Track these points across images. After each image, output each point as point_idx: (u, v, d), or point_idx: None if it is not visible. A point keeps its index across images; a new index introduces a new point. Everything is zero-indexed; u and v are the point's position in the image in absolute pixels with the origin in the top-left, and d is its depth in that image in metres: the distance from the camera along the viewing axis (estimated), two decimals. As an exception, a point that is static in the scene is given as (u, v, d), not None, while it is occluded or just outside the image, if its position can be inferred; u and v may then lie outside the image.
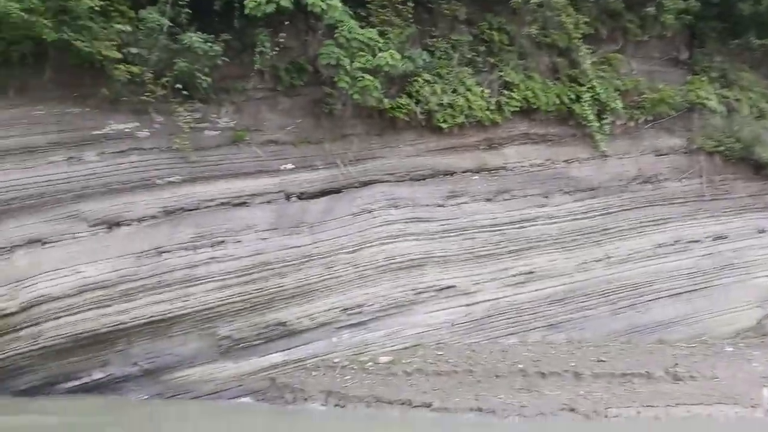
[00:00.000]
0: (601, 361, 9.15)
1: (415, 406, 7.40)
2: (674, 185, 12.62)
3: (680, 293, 11.64)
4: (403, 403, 7.47)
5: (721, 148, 13.18)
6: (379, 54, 9.83)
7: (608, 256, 11.34)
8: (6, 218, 7.94)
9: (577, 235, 11.24)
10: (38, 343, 7.58)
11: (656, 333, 10.99)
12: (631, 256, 11.54)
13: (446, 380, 8.13)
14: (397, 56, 9.98)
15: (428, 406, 7.34)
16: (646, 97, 12.67)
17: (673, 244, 12.03)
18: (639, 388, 8.33)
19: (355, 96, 9.78)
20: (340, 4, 9.46)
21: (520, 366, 8.64)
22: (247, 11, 9.19)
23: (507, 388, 7.98)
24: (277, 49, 9.59)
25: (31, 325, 7.54)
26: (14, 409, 6.90)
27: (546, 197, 11.32)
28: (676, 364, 9.09)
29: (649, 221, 11.96)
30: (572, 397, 7.79)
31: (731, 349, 10.54)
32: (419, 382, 8.03)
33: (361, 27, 10.06)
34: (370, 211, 9.70)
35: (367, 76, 9.71)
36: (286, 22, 9.43)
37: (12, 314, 7.44)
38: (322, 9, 9.25)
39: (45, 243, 7.94)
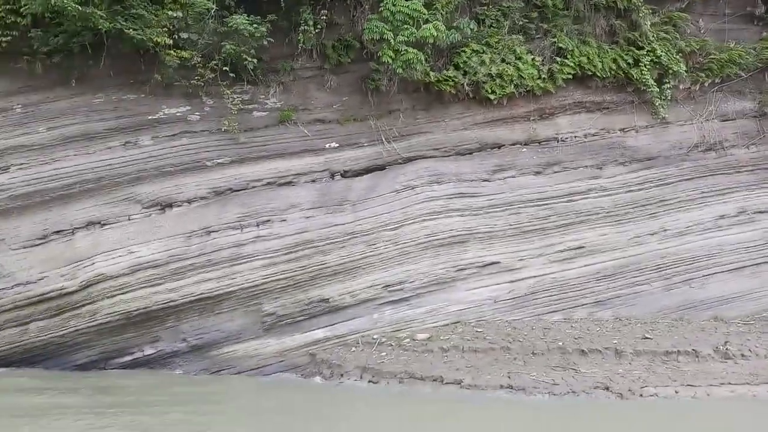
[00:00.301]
0: (647, 338, 8.90)
1: (446, 383, 7.49)
2: (741, 152, 11.83)
3: (742, 267, 11.02)
4: (435, 380, 7.58)
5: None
6: (424, 26, 9.67)
7: (664, 229, 10.86)
8: (68, 202, 8.55)
9: (631, 208, 10.81)
10: (95, 320, 8.18)
11: (712, 309, 10.49)
12: (690, 229, 11.00)
13: (482, 357, 8.16)
14: (442, 27, 9.77)
15: (459, 383, 7.42)
16: (713, 58, 11.83)
17: (736, 216, 11.35)
18: (683, 366, 8.07)
19: (399, 70, 9.70)
20: (384, -23, 9.32)
21: (559, 343, 8.53)
22: (292, -13, 9.23)
23: (542, 365, 7.93)
24: (319, 27, 9.61)
25: (89, 303, 8.13)
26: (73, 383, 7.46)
27: (599, 168, 10.92)
28: (727, 342, 8.72)
29: (711, 191, 11.32)
30: (609, 375, 7.66)
31: (795, 327, 9.95)
32: (454, 359, 8.11)
33: (407, -1, 9.89)
34: (413, 188, 9.70)
35: (411, 49, 9.59)
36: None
37: (73, 293, 8.06)
38: (365, -18, 9.15)
39: (103, 225, 8.49)
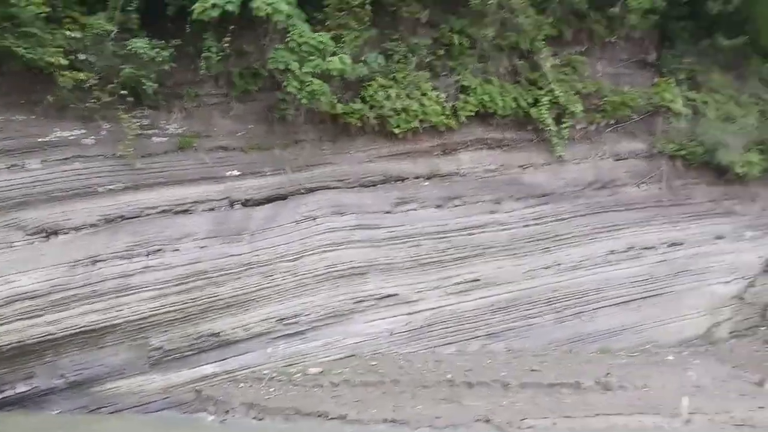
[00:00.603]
0: (534, 370, 9.18)
1: (330, 418, 7.47)
2: (632, 190, 12.47)
3: (629, 301, 11.58)
4: (320, 415, 7.54)
5: (683, 152, 13.00)
6: (330, 58, 9.70)
7: (558, 263, 11.27)
8: (-55, 226, 8.02)
9: (527, 242, 11.16)
10: (-39, 355, 7.68)
11: (600, 342, 10.97)
12: (581, 263, 11.47)
13: (371, 391, 8.19)
14: (348, 60, 9.82)
15: (344, 417, 7.41)
16: (608, 100, 12.44)
17: (626, 251, 11.93)
18: (565, 398, 8.36)
19: (304, 100, 9.67)
20: (286, 8, 9.26)
21: (449, 376, 8.68)
22: (194, 16, 9.09)
23: (429, 398, 8.03)
24: (222, 53, 9.46)
25: (-45, 336, 7.62)
26: None
27: (498, 203, 11.23)
28: (608, 373, 9.10)
29: (603, 227, 11.85)
30: (491, 407, 7.83)
31: (673, 357, 10.52)
32: (343, 394, 8.10)
33: (316, 31, 9.93)
34: (314, 218, 9.68)
35: (316, 81, 9.59)
36: (233, 26, 9.23)
37: (-61, 324, 7.54)
38: (267, 13, 9.09)
39: (-19, 252, 8.00)
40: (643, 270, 11.97)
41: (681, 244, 12.60)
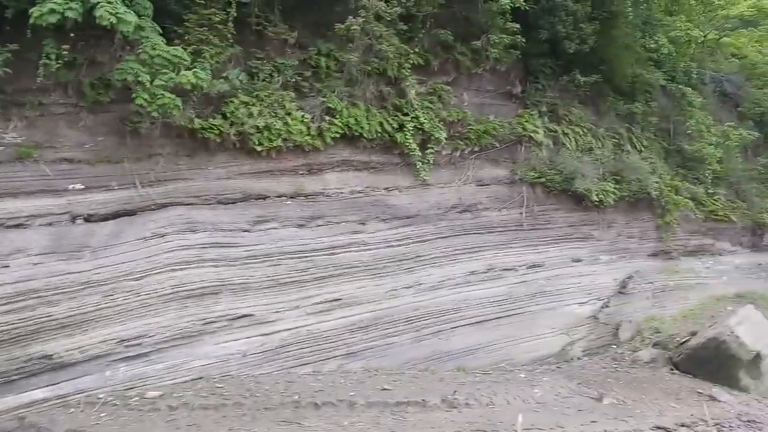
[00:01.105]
0: (385, 389, 9.10)
1: (159, 443, 7.02)
2: (494, 214, 12.84)
3: (487, 320, 11.82)
4: (147, 441, 7.07)
5: (543, 180, 13.60)
6: (183, 72, 9.40)
7: (419, 282, 11.36)
8: None
9: (389, 262, 11.18)
10: None
11: (457, 360, 11.09)
12: (442, 283, 11.62)
13: (210, 414, 7.78)
14: (203, 75, 9.54)
15: (172, 443, 6.98)
16: (471, 128, 12.84)
17: (486, 272, 12.23)
18: (409, 416, 8.32)
19: (154, 114, 9.25)
20: (134, 19, 8.86)
21: (296, 397, 8.42)
22: (31, 20, 8.54)
23: (270, 420, 7.73)
24: (64, 61, 8.90)
25: None
26: None
27: (362, 224, 11.20)
28: (456, 391, 9.17)
29: (464, 249, 12.10)
30: (331, 427, 7.65)
31: (524, 375, 10.76)
32: (179, 418, 7.63)
33: (172, 44, 9.62)
34: (162, 235, 9.21)
35: (168, 94, 9.18)
36: (73, 34, 8.74)
37: None
38: (112, 23, 8.68)
39: None
40: (502, 291, 12.30)
41: (540, 266, 13.10)
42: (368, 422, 7.95)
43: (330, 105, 11.22)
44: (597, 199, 14.12)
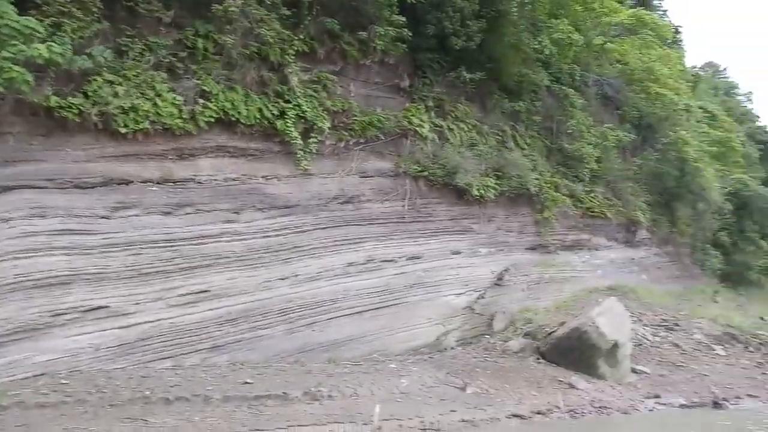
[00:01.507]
0: (247, 383, 8.77)
1: (-19, 446, 6.39)
2: (375, 206, 12.77)
3: (364, 311, 11.74)
4: (-32, 444, 6.42)
5: (426, 173, 13.67)
6: (34, 45, 8.60)
7: (296, 274, 11.08)
8: None
9: (265, 253, 10.83)
10: None
11: (330, 352, 10.93)
12: (320, 275, 11.41)
13: (47, 413, 7.17)
14: (59, 49, 8.76)
15: (-3, 444, 6.37)
16: (356, 119, 12.67)
17: (365, 263, 12.14)
18: (267, 410, 8.06)
19: (0, 88, 8.46)
20: (-25, -18, 8.07)
21: (147, 392, 7.95)
22: None
23: (113, 418, 7.23)
24: None
25: None
26: None
27: (237, 213, 10.77)
28: (320, 383, 9.00)
29: (344, 240, 11.95)
30: (179, 424, 7.28)
31: (395, 366, 10.75)
32: (9, 419, 6.99)
33: (27, 14, 8.79)
34: (6, 221, 8.42)
35: (16, 68, 8.37)
36: None
37: None
38: (-53, -14, 7.80)
39: None
40: (381, 282, 12.26)
41: (419, 258, 13.17)
42: (221, 417, 7.62)
43: (205, 88, 10.69)
44: (478, 194, 14.40)
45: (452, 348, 12.58)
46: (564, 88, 17.76)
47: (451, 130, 14.76)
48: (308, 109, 11.76)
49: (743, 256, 25.81)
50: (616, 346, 11.56)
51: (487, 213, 15.07)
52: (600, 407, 9.90)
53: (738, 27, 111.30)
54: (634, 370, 12.20)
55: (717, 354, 14.47)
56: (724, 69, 65.13)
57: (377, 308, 11.91)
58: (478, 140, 15.39)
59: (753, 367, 13.88)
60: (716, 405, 10.73)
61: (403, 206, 13.17)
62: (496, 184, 15.06)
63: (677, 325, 16.22)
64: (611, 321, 11.89)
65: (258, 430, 7.35)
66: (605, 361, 11.55)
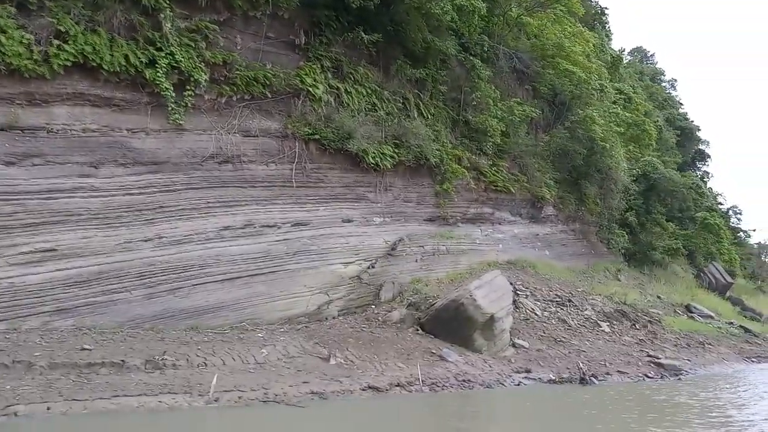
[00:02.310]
0: (85, 349, 8.14)
1: None
2: (260, 168, 12.16)
3: (238, 278, 11.20)
4: None
5: (317, 137, 13.12)
6: None
7: (160, 236, 10.41)
8: None
9: (126, 212, 10.10)
10: None
11: (194, 319, 10.37)
12: (189, 238, 10.77)
13: None
14: None
15: None
16: (240, 74, 11.94)
17: (243, 228, 11.57)
18: (97, 379, 7.50)
19: None
20: None
21: (-45, 360, 7.20)
22: None
23: None
24: None
25: None
26: None
27: (95, 167, 9.97)
28: (166, 352, 8.45)
29: (220, 202, 11.32)
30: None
31: (263, 335, 10.31)
32: None
33: None
34: None
35: None
36: None
37: None
38: None
39: None
40: (260, 248, 11.73)
41: (306, 224, 12.70)
42: (38, 385, 7.00)
43: (61, 28, 9.75)
44: (374, 161, 14.00)
45: (334, 318, 12.23)
46: (472, 58, 17.46)
47: (348, 93, 14.23)
48: (183, 59, 10.98)
49: (649, 237, 26.58)
50: (492, 319, 11.50)
51: (385, 182, 14.73)
52: (464, 381, 9.80)
53: (683, 10, 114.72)
54: (514, 344, 12.22)
55: (602, 330, 14.77)
56: (652, 55, 67.36)
57: (253, 275, 11.39)
58: (378, 106, 14.94)
59: (633, 344, 14.26)
60: (583, 381, 10.86)
61: (291, 170, 12.62)
62: (394, 152, 14.71)
63: (570, 301, 16.51)
64: (490, 294, 11.82)
65: (75, 400, 6.76)
66: (481, 334, 11.49)
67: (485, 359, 11.11)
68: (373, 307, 13.02)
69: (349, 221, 13.62)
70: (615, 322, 15.85)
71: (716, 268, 28.06)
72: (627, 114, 24.63)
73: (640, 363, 12.52)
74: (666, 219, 29.85)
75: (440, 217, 16.44)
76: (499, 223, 19.25)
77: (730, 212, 51.58)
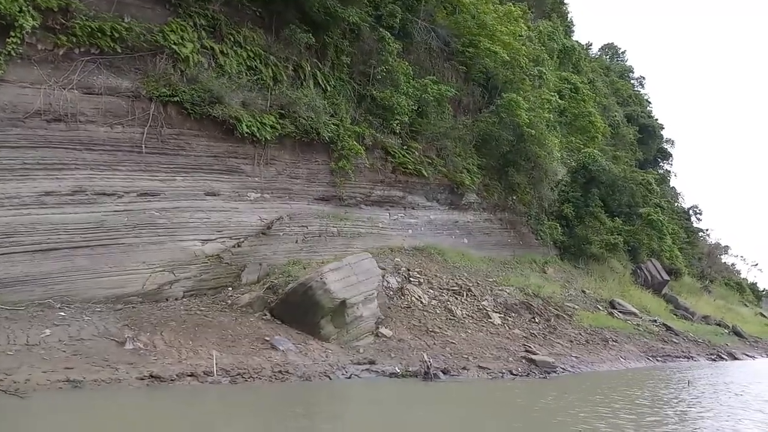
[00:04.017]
0: None
1: None
2: (101, 130, 10.78)
3: (56, 249, 9.86)
4: None
5: (179, 99, 11.75)
6: None
7: (-43, 198, 9.03)
8: None
9: None
10: None
11: (-10, 292, 9.04)
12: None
13: None
14: None
15: None
16: (79, 23, 10.54)
17: (71, 195, 10.22)
18: None
19: None
20: None
21: None
22: None
23: None
24: None
25: None
26: None
27: None
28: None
29: (41, 165, 9.95)
30: None
31: (65, 314, 9.02)
32: None
33: None
34: None
35: None
36: None
37: None
38: None
39: None
40: (92, 217, 10.39)
41: (156, 195, 11.37)
42: None
43: None
44: (248, 131, 12.68)
45: (177, 299, 10.94)
46: (381, 30, 16.14)
47: (225, 54, 12.88)
48: (4, 1, 9.54)
49: (585, 230, 25.49)
50: (344, 305, 10.29)
51: (266, 154, 13.42)
52: (280, 372, 8.58)
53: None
54: (377, 333, 11.03)
55: (491, 322, 13.64)
56: (624, 51, 66.53)
57: (76, 247, 10.07)
58: (263, 72, 13.59)
59: (520, 338, 13.15)
60: (426, 375, 9.68)
61: (142, 134, 11.25)
62: (278, 123, 13.40)
63: (470, 290, 15.38)
64: (350, 278, 10.60)
65: None
66: (331, 321, 10.29)
67: (328, 349, 9.91)
68: (230, 289, 11.75)
69: (214, 194, 12.30)
70: (513, 315, 14.75)
71: (654, 266, 27.12)
72: (562, 102, 23.36)
73: (512, 359, 11.38)
74: (614, 215, 28.86)
75: (336, 197, 15.19)
76: (413, 208, 18.06)
77: (691, 211, 51.05)
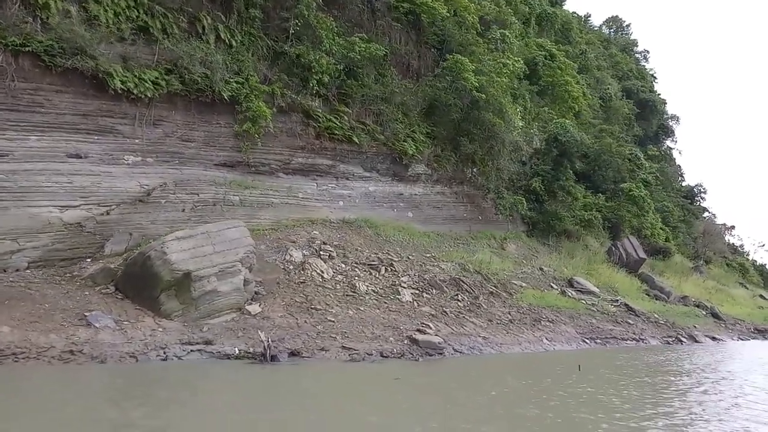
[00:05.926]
0: None
1: None
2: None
3: None
4: None
5: (33, 50, 10.49)
6: None
7: None
8: None
9: None
10: None
11: None
12: None
13: None
14: None
15: None
16: None
17: None
18: None
19: None
20: None
21: None
22: None
23: None
24: None
25: None
26: None
27: None
28: None
29: None
30: None
31: None
32: None
33: None
34: None
35: None
36: None
37: None
38: None
39: None
40: None
41: (4, 156, 10.16)
42: None
43: None
44: (123, 87, 11.40)
45: (18, 270, 9.76)
46: (298, -22, 14.67)
47: (98, 3, 11.53)
48: None
49: (555, 205, 23.88)
50: (189, 278, 9.00)
51: (150, 114, 12.14)
52: (69, 352, 7.35)
53: None
54: (241, 310, 9.75)
55: (398, 299, 12.31)
56: (628, 25, 63.87)
57: None
58: (150, 24, 12.25)
59: (425, 316, 11.78)
60: (263, 357, 8.37)
61: (-9, 88, 10.01)
62: (163, 79, 12.09)
63: (392, 266, 14.03)
64: (203, 248, 9.32)
65: None
66: (174, 295, 9.03)
67: (162, 327, 8.65)
68: (89, 260, 10.54)
69: (78, 157, 11.06)
70: (433, 291, 13.39)
71: (631, 243, 25.40)
72: (521, 66, 21.62)
73: (393, 338, 10.03)
74: (599, 190, 27.18)
75: (243, 163, 13.88)
76: (346, 178, 16.70)
77: (696, 190, 48.88)
